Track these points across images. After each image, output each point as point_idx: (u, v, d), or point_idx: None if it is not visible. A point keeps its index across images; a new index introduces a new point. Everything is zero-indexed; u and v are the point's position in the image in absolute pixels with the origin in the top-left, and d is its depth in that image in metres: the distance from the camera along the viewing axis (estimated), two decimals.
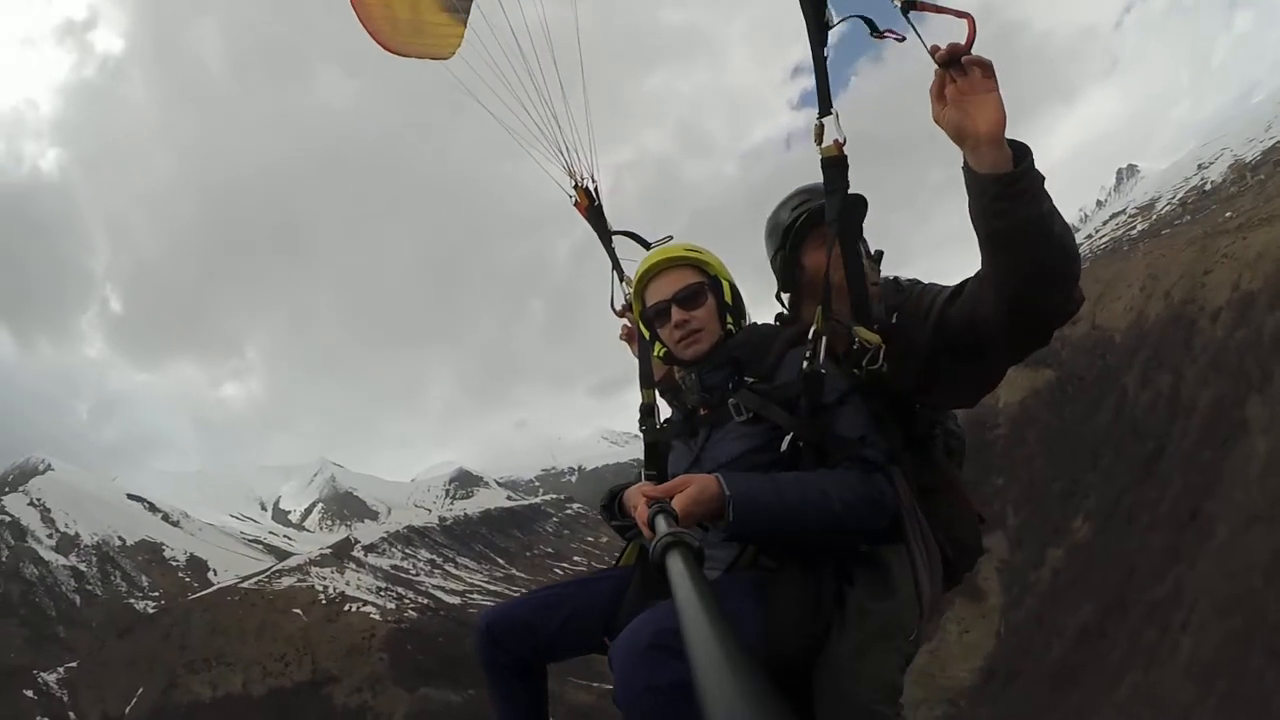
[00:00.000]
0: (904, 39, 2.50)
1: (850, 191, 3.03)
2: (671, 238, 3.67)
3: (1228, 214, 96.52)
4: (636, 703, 2.24)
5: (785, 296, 3.49)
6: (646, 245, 3.94)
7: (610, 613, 2.95)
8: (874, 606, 2.61)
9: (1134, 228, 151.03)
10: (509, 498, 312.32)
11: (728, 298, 3.15)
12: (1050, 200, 2.38)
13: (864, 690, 2.51)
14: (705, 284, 3.12)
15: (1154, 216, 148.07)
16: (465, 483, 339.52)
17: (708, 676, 1.07)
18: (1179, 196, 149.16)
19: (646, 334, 3.32)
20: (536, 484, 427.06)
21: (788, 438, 2.78)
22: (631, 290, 3.40)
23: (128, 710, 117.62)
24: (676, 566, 1.67)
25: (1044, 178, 2.37)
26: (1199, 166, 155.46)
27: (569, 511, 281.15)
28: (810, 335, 2.82)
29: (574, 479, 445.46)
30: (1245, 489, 54.25)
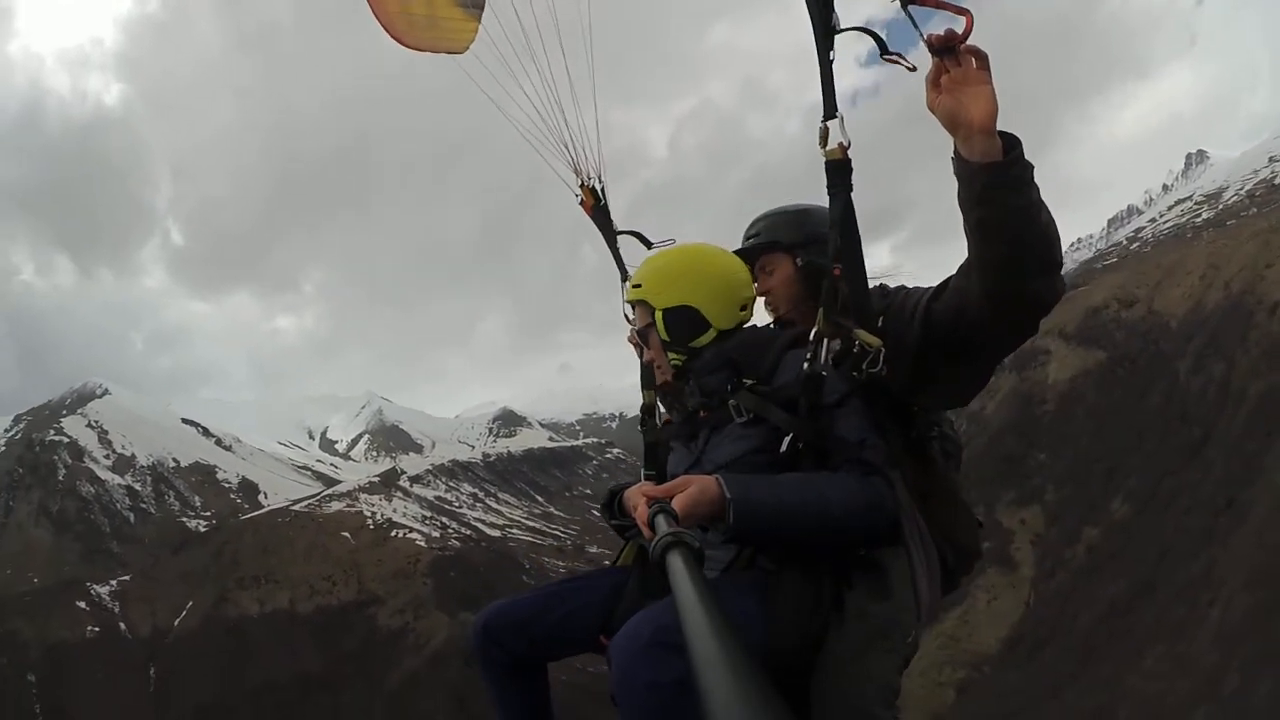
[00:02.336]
0: (914, 68, 2.58)
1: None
2: (674, 240, 3.71)
3: None
4: (637, 699, 2.29)
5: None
6: (649, 245, 4.04)
7: (607, 612, 2.98)
8: (872, 609, 2.64)
9: (1199, 215, 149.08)
10: (550, 439, 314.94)
11: (662, 334, 3.18)
12: (1038, 190, 2.48)
13: (861, 693, 2.54)
14: (646, 326, 3.23)
15: (1220, 206, 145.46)
16: (509, 422, 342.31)
17: (709, 676, 1.08)
18: (1247, 188, 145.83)
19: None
20: (578, 428, 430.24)
21: (787, 439, 2.81)
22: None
23: (176, 623, 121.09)
24: (677, 566, 1.69)
25: (1033, 167, 2.46)
26: (1270, 159, 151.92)
27: (609, 456, 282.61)
28: (811, 337, 2.87)
29: (615, 425, 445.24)
30: None
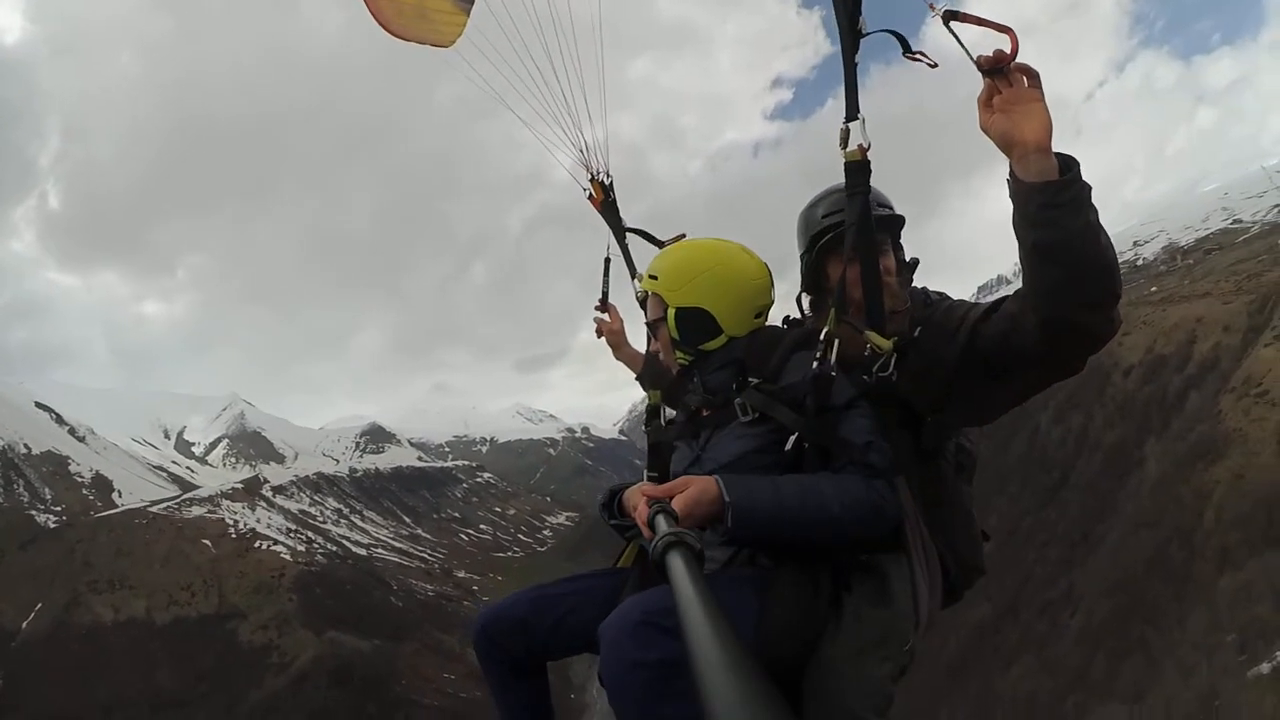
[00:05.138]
0: (936, 65, 2.60)
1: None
2: (685, 235, 3.72)
3: (1153, 289, 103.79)
4: (622, 678, 2.27)
5: (806, 299, 3.50)
6: (658, 244, 4.07)
7: (607, 612, 2.74)
8: (870, 614, 2.62)
9: None
10: (420, 458, 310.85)
11: (673, 332, 3.12)
12: (1097, 212, 2.37)
13: (854, 697, 2.51)
14: (657, 319, 3.19)
15: None
16: (377, 438, 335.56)
17: (708, 676, 1.09)
18: None
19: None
20: (447, 449, 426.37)
21: (792, 438, 2.77)
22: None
23: (25, 625, 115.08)
24: (677, 566, 1.70)
25: (1091, 187, 2.36)
26: (1134, 243, 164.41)
27: (479, 480, 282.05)
28: (821, 337, 2.83)
29: (485, 449, 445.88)
30: (1136, 503, 61.32)
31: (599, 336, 4.51)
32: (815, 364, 2.77)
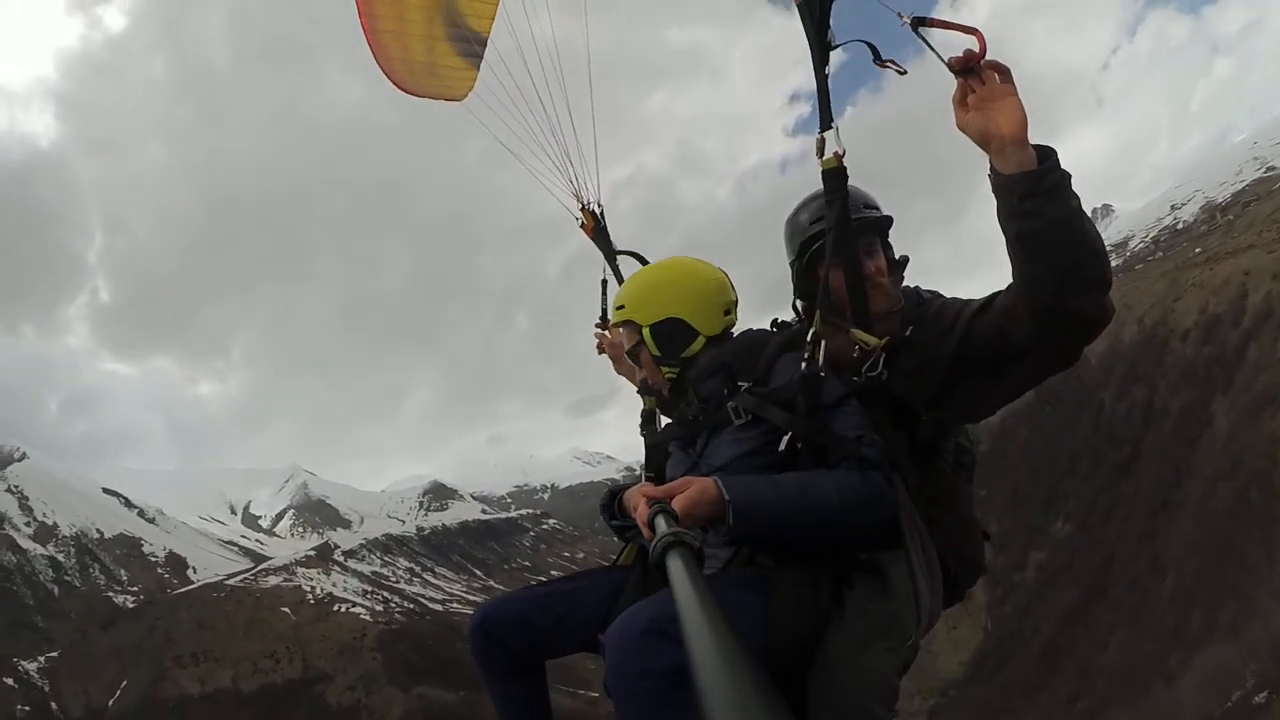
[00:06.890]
0: (905, 72, 2.69)
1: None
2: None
3: (1197, 250, 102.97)
4: (629, 687, 2.27)
5: (800, 304, 3.48)
6: (645, 264, 4.05)
7: (607, 610, 2.92)
8: (872, 609, 2.61)
9: None
10: (484, 511, 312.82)
11: (652, 349, 3.16)
12: (1078, 199, 2.43)
13: (860, 690, 2.51)
14: (635, 345, 3.24)
15: (1127, 254, 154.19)
16: (439, 495, 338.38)
17: (708, 677, 1.07)
18: (1152, 235, 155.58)
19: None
20: (509, 500, 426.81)
21: (786, 438, 2.78)
22: None
23: (111, 702, 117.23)
24: (677, 566, 1.69)
25: (1070, 175, 2.42)
26: (1172, 207, 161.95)
27: (545, 526, 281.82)
28: (809, 338, 2.85)
29: (546, 496, 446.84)
30: (1212, 459, 62.67)
31: (600, 353, 4.58)
32: (803, 364, 2.82)
